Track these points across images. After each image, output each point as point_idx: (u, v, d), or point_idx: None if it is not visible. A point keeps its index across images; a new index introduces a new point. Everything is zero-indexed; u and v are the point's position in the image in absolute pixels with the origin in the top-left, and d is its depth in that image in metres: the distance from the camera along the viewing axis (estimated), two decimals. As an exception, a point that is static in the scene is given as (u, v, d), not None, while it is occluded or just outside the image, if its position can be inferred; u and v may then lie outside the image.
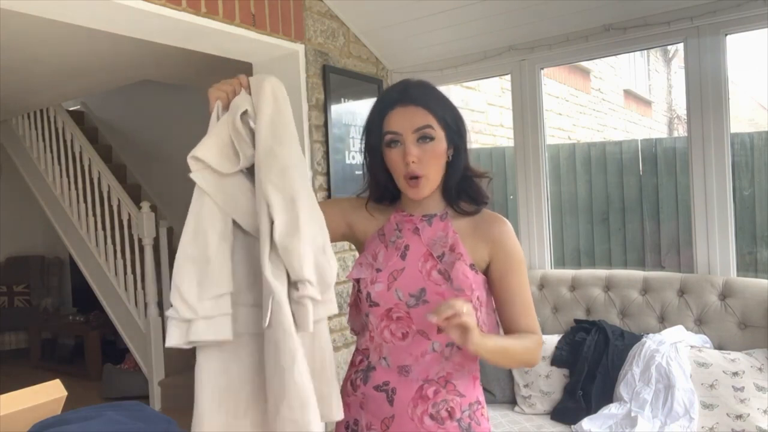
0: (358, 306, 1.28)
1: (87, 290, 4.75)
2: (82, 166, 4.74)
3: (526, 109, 2.87)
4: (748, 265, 2.69)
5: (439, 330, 1.15)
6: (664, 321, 2.42)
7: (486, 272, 1.24)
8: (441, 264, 1.20)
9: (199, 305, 1.03)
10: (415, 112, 1.19)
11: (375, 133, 1.24)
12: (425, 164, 1.18)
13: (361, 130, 1.30)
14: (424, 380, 1.20)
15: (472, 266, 1.20)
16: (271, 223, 1.04)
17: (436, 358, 1.20)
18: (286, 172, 1.08)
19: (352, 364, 1.31)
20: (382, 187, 1.29)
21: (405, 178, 1.20)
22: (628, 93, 8.49)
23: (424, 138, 1.18)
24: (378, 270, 1.23)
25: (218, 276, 1.05)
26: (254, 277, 1.10)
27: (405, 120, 1.19)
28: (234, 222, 1.10)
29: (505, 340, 1.20)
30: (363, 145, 1.29)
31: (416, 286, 1.19)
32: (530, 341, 1.20)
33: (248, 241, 1.11)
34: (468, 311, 1.04)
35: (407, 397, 1.19)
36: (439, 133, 1.19)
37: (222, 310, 1.05)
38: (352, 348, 2.84)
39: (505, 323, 1.23)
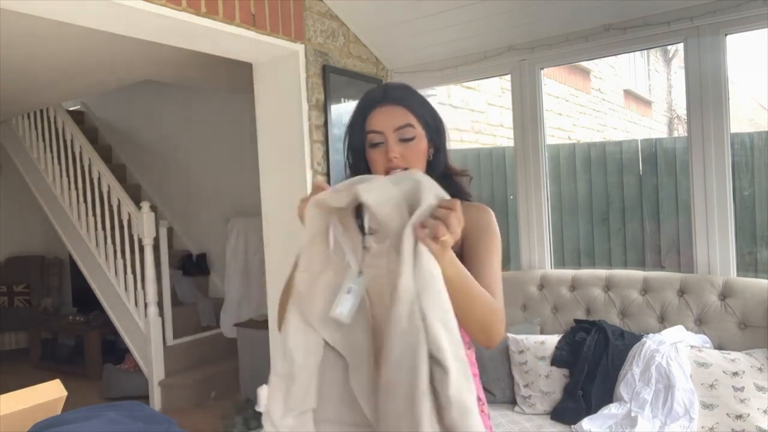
0: None
1: (87, 290, 4.75)
2: (82, 166, 4.74)
3: (526, 109, 2.87)
4: (748, 265, 2.69)
5: None
6: (664, 321, 2.42)
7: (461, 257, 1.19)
8: None
9: (281, 422, 1.00)
10: (395, 112, 1.22)
11: (357, 133, 1.27)
12: (407, 161, 1.21)
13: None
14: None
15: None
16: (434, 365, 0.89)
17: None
18: (442, 296, 0.94)
19: None
20: None
21: (387, 174, 1.20)
22: (628, 93, 8.49)
23: (406, 138, 1.21)
24: None
25: (302, 392, 1.01)
26: (347, 395, 1.02)
27: (386, 119, 1.22)
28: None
29: (473, 280, 1.10)
30: (346, 147, 1.32)
31: None
32: (495, 305, 1.13)
33: (339, 361, 1.03)
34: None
35: None
36: (420, 132, 1.23)
37: (304, 427, 1.01)
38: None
39: None
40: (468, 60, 2.95)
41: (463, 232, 1.13)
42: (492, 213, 1.26)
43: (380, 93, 1.27)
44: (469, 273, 1.09)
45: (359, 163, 1.28)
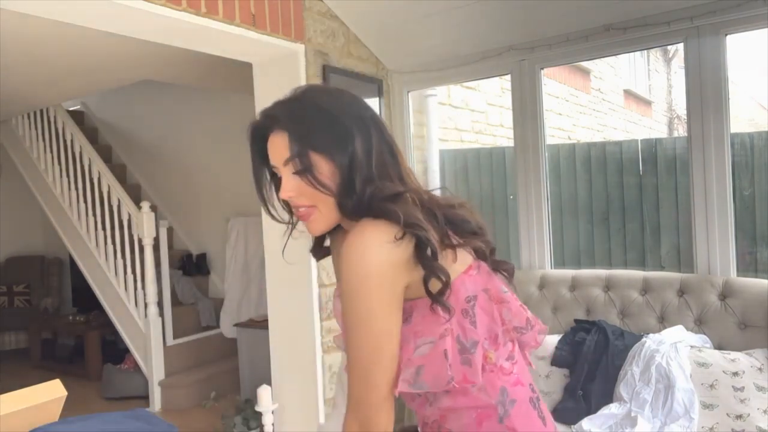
0: None
1: (87, 290, 4.75)
2: (82, 166, 4.74)
3: (526, 109, 2.87)
4: (748, 265, 2.68)
5: None
6: (664, 321, 2.41)
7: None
8: None
9: None
10: (279, 141, 0.99)
11: (261, 167, 1.08)
12: (309, 197, 0.98)
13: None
14: (424, 423, 1.05)
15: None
16: None
17: (422, 402, 1.03)
18: None
19: None
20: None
21: (294, 209, 1.03)
22: (628, 93, 8.49)
23: (296, 172, 0.97)
24: None
25: None
26: None
27: (274, 151, 1.00)
28: None
29: None
30: (256, 182, 1.12)
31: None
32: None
33: None
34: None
35: None
36: (314, 159, 0.96)
37: None
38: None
39: None
40: (468, 60, 2.95)
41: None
42: (359, 240, 0.91)
43: (266, 116, 1.04)
44: None
45: (279, 200, 1.09)
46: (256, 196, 1.09)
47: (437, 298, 0.92)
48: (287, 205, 1.07)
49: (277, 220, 1.10)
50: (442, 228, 0.96)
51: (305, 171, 0.96)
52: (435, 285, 0.92)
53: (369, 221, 0.92)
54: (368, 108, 1.04)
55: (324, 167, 0.96)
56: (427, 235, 0.90)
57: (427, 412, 1.02)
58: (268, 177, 1.09)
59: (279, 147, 0.99)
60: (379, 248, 0.89)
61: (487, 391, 1.00)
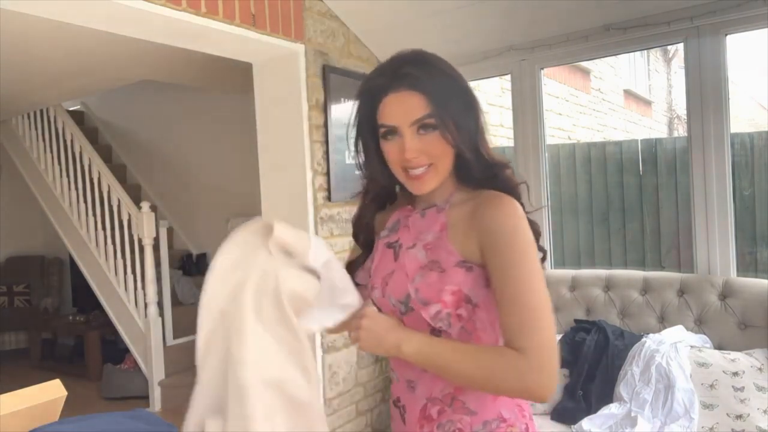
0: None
1: (87, 290, 4.75)
2: (82, 166, 4.74)
3: (526, 109, 2.87)
4: (748, 265, 2.69)
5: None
6: (664, 321, 2.41)
7: (483, 262, 1.02)
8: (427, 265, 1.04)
9: None
10: (410, 100, 1.00)
11: (366, 127, 1.08)
12: (430, 156, 1.02)
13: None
14: (428, 398, 1.05)
15: (461, 263, 1.00)
16: None
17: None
18: None
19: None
20: (384, 190, 1.16)
21: (405, 171, 1.04)
22: (628, 93, 8.49)
23: (426, 128, 1.00)
24: (371, 276, 1.14)
25: None
26: None
27: (400, 110, 1.01)
28: None
29: (444, 348, 0.97)
30: (354, 141, 1.12)
31: (402, 291, 1.05)
32: (500, 359, 0.93)
33: None
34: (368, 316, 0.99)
35: (414, 416, 1.07)
36: (443, 120, 1.01)
37: None
38: (353, 349, 2.85)
39: (504, 337, 0.97)
40: (468, 60, 2.95)
41: (479, 240, 0.99)
42: (509, 207, 0.99)
43: (390, 74, 1.03)
44: (437, 342, 0.98)
45: (372, 162, 1.11)
46: (356, 157, 1.13)
47: None
48: (378, 170, 1.11)
49: (366, 181, 1.16)
50: None
51: (443, 127, 1.00)
52: None
53: (505, 196, 1.01)
54: None
55: (450, 131, 1.01)
56: (539, 228, 1.04)
57: (441, 385, 1.03)
58: (366, 138, 1.10)
59: (408, 105, 1.00)
60: (524, 218, 0.99)
61: None
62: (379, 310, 1.09)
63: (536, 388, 0.90)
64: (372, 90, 1.05)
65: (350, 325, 1.00)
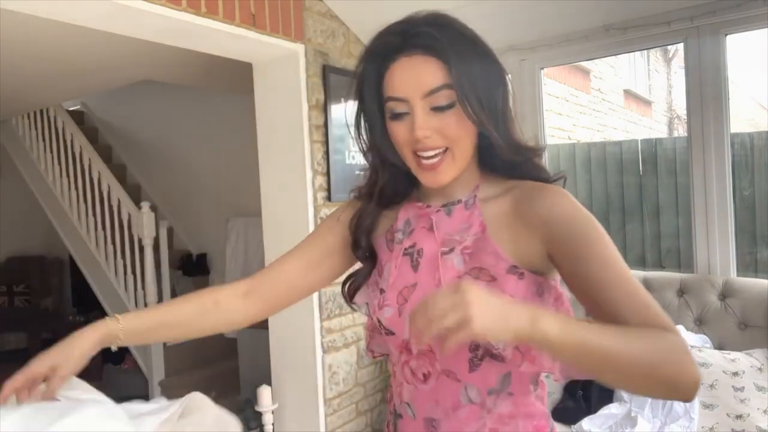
0: (377, 330, 0.95)
1: (87, 290, 4.75)
2: (82, 166, 4.74)
3: (526, 109, 2.87)
4: (748, 265, 2.69)
5: (473, 367, 0.83)
6: (664, 321, 2.41)
7: (544, 270, 0.84)
8: (465, 272, 0.83)
9: None
10: (424, 66, 0.81)
11: (371, 100, 0.87)
12: (447, 138, 0.83)
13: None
14: None
15: (513, 269, 0.82)
16: None
17: (473, 412, 0.84)
18: None
19: (389, 398, 0.99)
20: (391, 184, 0.93)
21: (416, 156, 0.84)
22: (628, 93, 8.49)
23: (440, 106, 0.81)
24: (382, 290, 0.90)
25: None
26: None
27: (411, 79, 0.81)
28: None
29: (590, 327, 0.71)
30: (355, 121, 0.91)
31: None
32: (656, 336, 0.70)
33: None
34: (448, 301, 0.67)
35: None
36: (469, 92, 0.81)
37: None
38: (353, 349, 2.85)
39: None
40: (468, 60, 2.95)
41: (542, 235, 0.81)
42: (565, 193, 0.83)
43: (402, 35, 0.83)
44: (581, 325, 0.70)
45: (377, 147, 0.90)
46: (354, 135, 0.93)
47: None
48: (384, 158, 0.90)
49: (369, 163, 0.95)
50: None
51: (465, 102, 0.80)
52: None
53: (552, 185, 0.85)
54: None
55: (475, 104, 0.81)
56: None
57: (477, 425, 0.84)
58: (371, 117, 0.89)
59: (421, 73, 0.80)
60: None
61: (542, 398, 0.89)
62: (388, 333, 0.89)
63: (696, 372, 0.70)
64: (379, 52, 0.85)
65: (435, 311, 0.67)
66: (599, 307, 0.77)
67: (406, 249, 0.90)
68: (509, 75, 2.96)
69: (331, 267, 1.02)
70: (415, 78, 0.81)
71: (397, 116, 0.84)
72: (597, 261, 0.77)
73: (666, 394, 0.76)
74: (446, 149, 0.83)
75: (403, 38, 0.82)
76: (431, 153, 0.83)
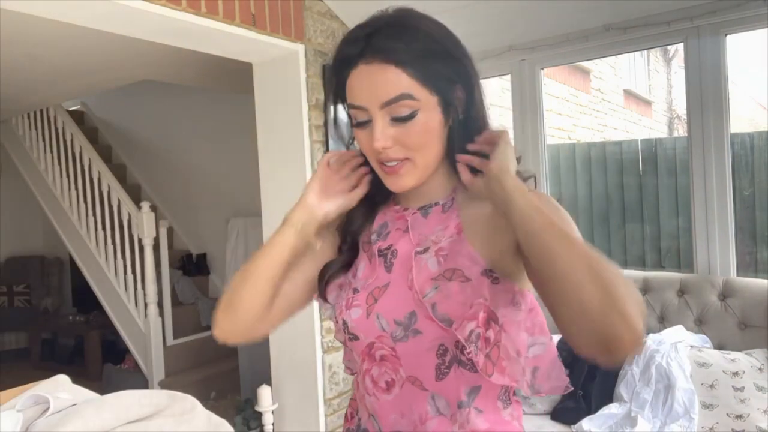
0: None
1: (87, 290, 4.75)
2: (82, 166, 4.74)
3: (526, 109, 2.87)
4: (748, 265, 2.69)
5: (440, 375, 0.79)
6: (664, 321, 2.41)
7: (517, 273, 0.82)
8: (439, 275, 0.81)
9: None
10: (382, 75, 0.78)
11: (341, 106, 0.87)
12: (408, 148, 0.81)
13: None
14: None
15: (487, 272, 0.80)
16: None
17: (443, 424, 0.79)
18: None
19: (345, 417, 0.96)
20: (373, 186, 0.92)
21: (379, 162, 0.84)
22: (628, 93, 8.49)
23: (400, 116, 0.79)
24: (355, 290, 0.87)
25: None
26: None
27: (368, 87, 0.79)
28: None
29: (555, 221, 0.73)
30: (334, 125, 0.94)
31: (403, 309, 0.80)
32: (616, 268, 0.70)
33: None
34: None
35: None
36: (427, 101, 0.79)
37: None
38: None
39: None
40: (468, 60, 2.95)
41: (512, 228, 0.77)
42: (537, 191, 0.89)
43: (361, 38, 0.82)
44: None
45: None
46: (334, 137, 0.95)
47: None
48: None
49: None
50: None
51: (413, 116, 0.78)
52: None
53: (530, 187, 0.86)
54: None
55: (434, 114, 0.80)
56: None
57: None
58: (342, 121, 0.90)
59: (379, 81, 0.78)
60: None
61: (518, 417, 0.85)
62: (352, 338, 0.85)
63: (640, 317, 0.65)
64: (341, 59, 0.83)
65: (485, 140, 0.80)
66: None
67: (381, 250, 0.88)
68: (509, 75, 2.91)
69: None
70: (373, 87, 0.79)
71: (360, 124, 0.83)
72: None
73: (601, 312, 0.65)
74: (406, 158, 0.82)
75: (365, 43, 0.80)
76: (390, 164, 0.82)
